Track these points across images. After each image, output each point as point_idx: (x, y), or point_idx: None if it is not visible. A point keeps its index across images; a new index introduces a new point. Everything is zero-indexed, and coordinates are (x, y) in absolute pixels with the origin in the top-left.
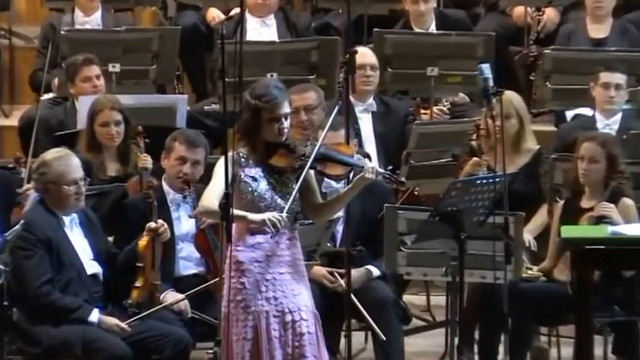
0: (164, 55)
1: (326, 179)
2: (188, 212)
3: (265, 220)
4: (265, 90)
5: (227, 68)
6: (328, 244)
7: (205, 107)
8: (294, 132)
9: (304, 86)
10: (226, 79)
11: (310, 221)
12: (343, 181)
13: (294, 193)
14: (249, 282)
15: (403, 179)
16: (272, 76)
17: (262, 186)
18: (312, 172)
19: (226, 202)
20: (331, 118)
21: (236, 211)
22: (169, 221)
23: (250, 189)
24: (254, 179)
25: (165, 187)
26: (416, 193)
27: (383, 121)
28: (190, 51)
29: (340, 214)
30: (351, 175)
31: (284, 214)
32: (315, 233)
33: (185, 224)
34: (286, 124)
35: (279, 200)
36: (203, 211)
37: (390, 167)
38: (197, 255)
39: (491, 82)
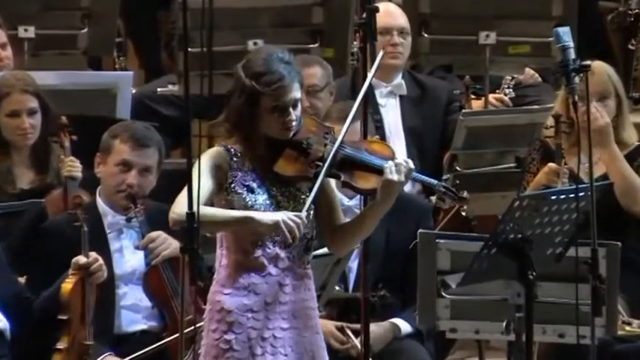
0: (99, 14)
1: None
2: (134, 241)
3: (279, 223)
4: (266, 66)
5: (191, 33)
6: (337, 288)
7: (159, 89)
8: (308, 122)
9: (306, 59)
10: (190, 50)
11: (318, 253)
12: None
13: (308, 202)
14: (239, 340)
15: (465, 194)
16: (256, 44)
17: (261, 200)
18: (332, 181)
19: (190, 227)
20: (358, 100)
21: (227, 211)
22: (107, 254)
23: (243, 203)
24: (250, 190)
25: (102, 204)
26: (463, 213)
27: (416, 110)
28: (137, 8)
29: None
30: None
31: (304, 213)
32: (319, 271)
33: (130, 259)
34: (296, 113)
35: None
36: (178, 220)
37: (447, 177)
38: (147, 304)
39: (572, 53)
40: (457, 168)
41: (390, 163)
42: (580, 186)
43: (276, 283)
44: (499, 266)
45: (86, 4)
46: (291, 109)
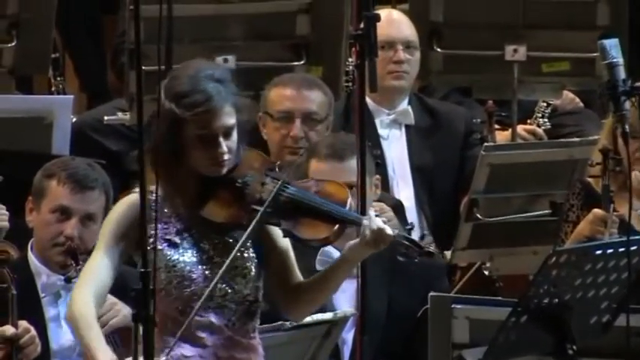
0: (30, 22)
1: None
2: None
3: None
4: (190, 84)
5: (145, 47)
6: None
7: (106, 118)
8: (250, 155)
9: (308, 79)
10: (144, 68)
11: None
12: None
13: (228, 261)
14: None
15: (433, 248)
16: (226, 61)
17: (187, 257)
18: (278, 231)
19: (144, 289)
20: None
21: (86, 330)
22: (41, 324)
23: (165, 262)
24: (171, 245)
25: (34, 261)
26: (486, 272)
27: (426, 143)
28: (78, 16)
29: (351, 310)
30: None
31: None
32: (303, 346)
33: (69, 330)
34: (229, 144)
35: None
36: (70, 317)
37: (410, 225)
38: None
39: (622, 72)
40: (478, 216)
41: (374, 224)
42: (632, 238)
43: (214, 358)
44: (531, 339)
45: (14, 10)
46: (221, 139)
